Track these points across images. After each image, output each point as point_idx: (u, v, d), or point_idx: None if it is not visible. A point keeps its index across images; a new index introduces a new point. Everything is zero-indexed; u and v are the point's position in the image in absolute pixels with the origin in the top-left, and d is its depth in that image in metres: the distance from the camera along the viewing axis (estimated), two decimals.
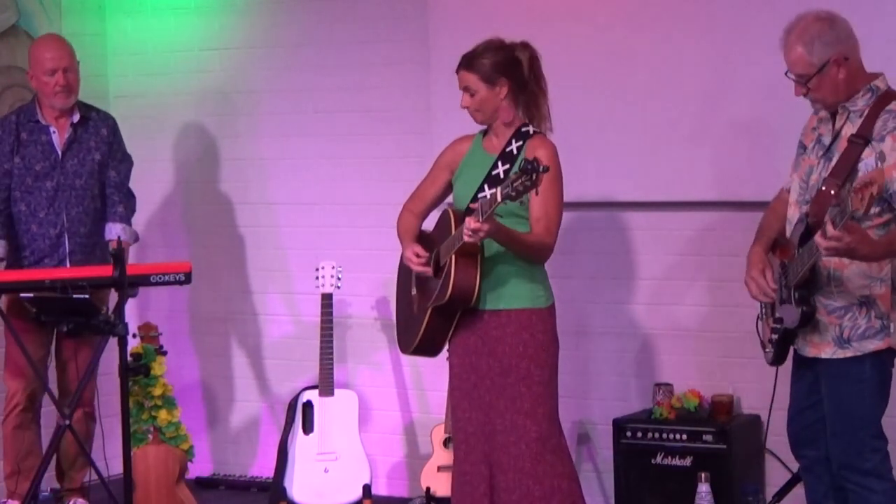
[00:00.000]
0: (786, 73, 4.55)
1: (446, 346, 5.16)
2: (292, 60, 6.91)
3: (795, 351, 4.66)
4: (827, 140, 4.57)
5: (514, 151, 5.00)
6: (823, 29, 4.45)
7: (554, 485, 4.98)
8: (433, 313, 5.02)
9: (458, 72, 5.06)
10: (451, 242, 4.92)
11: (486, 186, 4.97)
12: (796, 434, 4.76)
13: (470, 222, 4.70)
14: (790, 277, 4.51)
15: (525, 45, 5.06)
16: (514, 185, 4.52)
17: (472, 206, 4.87)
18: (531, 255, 4.98)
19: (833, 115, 4.57)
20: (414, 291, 5.21)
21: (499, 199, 4.59)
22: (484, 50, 5.03)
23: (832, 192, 4.36)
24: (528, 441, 4.95)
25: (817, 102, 4.54)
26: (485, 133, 5.15)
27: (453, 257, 4.89)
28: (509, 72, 5.01)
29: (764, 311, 4.75)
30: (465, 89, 5.04)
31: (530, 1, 6.24)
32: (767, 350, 4.71)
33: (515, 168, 4.87)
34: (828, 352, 4.52)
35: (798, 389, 4.72)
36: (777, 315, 4.62)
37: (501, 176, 4.97)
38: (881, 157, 4.37)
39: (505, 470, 4.97)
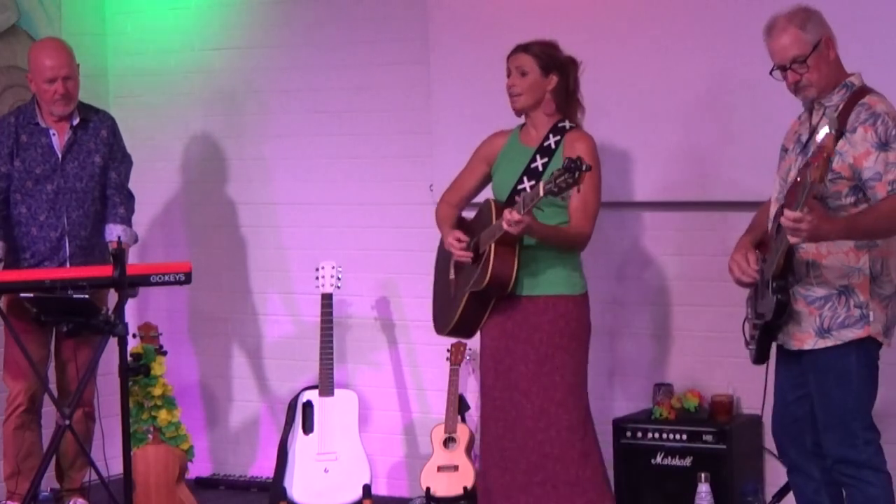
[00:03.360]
0: (770, 72, 4.61)
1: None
2: (292, 60, 6.90)
3: (780, 346, 4.67)
4: (805, 137, 4.61)
5: (552, 146, 5.18)
6: (808, 13, 4.58)
7: (580, 474, 5.12)
8: (470, 298, 5.19)
9: (511, 56, 5.24)
10: (492, 231, 5.07)
11: (524, 178, 5.16)
12: (781, 431, 4.76)
13: (512, 214, 4.87)
14: (767, 269, 4.53)
15: (574, 60, 5.29)
16: (557, 181, 4.72)
17: (516, 198, 5.03)
18: (569, 247, 5.16)
19: (811, 114, 4.62)
20: (452, 276, 5.37)
21: (541, 193, 4.79)
22: (544, 43, 5.26)
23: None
24: (559, 429, 5.12)
25: (811, 87, 4.56)
26: (521, 128, 5.31)
27: (493, 246, 5.05)
28: (560, 71, 5.24)
29: (750, 311, 4.77)
30: (517, 69, 5.22)
31: (530, 1, 6.24)
32: (751, 347, 4.74)
33: (553, 162, 5.09)
34: (809, 342, 4.55)
35: (783, 385, 4.74)
36: (758, 311, 4.64)
37: (540, 169, 5.16)
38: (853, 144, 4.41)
39: (529, 452, 5.11)
